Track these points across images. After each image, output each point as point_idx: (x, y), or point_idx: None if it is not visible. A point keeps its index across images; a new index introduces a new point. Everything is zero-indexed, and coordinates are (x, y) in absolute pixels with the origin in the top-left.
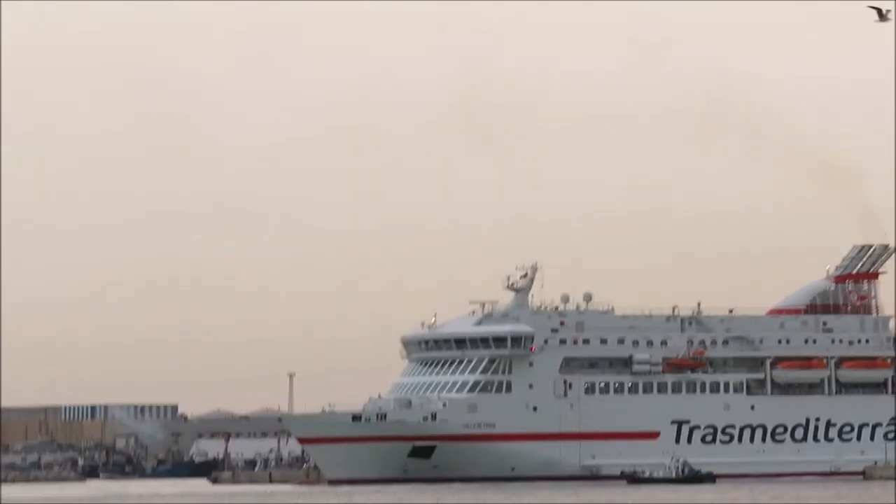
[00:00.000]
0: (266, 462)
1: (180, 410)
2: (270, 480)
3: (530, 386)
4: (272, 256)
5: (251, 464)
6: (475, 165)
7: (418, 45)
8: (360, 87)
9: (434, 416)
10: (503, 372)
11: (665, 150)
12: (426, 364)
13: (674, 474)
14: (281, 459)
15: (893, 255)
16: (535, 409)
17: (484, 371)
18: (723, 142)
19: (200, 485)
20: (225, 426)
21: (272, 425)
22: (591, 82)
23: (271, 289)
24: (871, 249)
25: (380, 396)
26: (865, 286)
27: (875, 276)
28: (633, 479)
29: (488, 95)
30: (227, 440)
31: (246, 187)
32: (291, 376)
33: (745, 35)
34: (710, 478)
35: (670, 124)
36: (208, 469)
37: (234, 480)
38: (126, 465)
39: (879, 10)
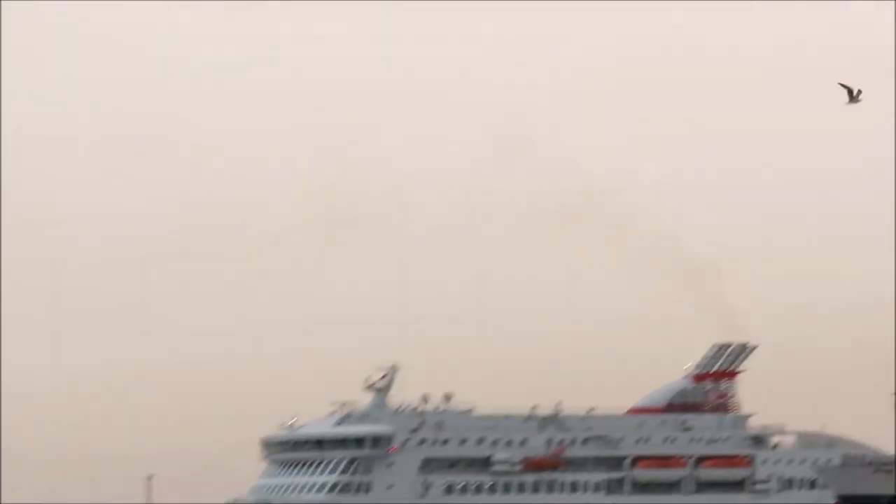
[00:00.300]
0: None
1: None
2: None
3: (390, 486)
4: (131, 357)
5: None
6: (333, 266)
7: (274, 143)
8: (216, 187)
9: None
10: (363, 472)
11: (525, 249)
12: (286, 465)
13: None
14: None
15: (752, 354)
16: None
17: (343, 472)
18: (583, 241)
19: None
20: None
21: None
22: (452, 179)
23: (128, 389)
24: (730, 348)
25: (239, 498)
26: (724, 385)
27: (734, 374)
28: None
29: (346, 195)
30: None
31: (100, 286)
32: (150, 478)
33: (605, 133)
34: None
35: (530, 223)
36: None
37: None
38: None
39: (850, 90)
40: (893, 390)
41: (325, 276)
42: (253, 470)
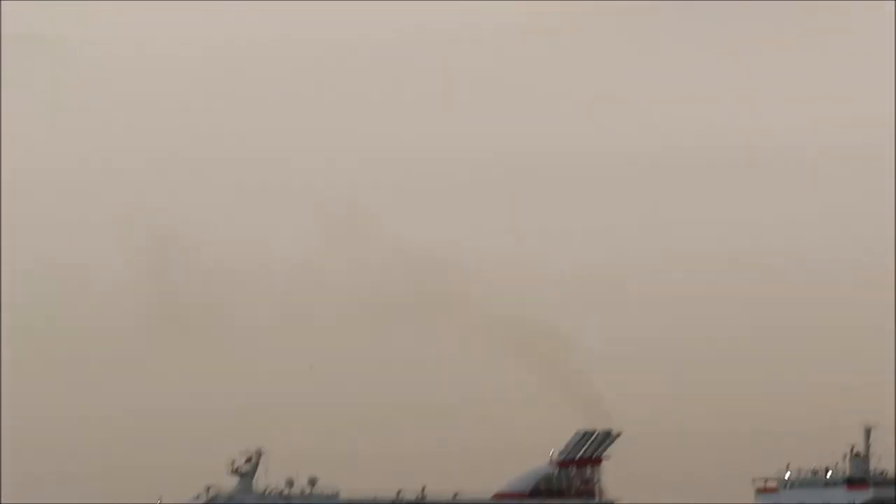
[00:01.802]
0: None
1: None
2: None
3: None
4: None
5: None
6: (199, 352)
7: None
8: (52, 262)
9: None
10: None
11: (378, 340)
12: None
13: None
14: None
15: (616, 440)
16: None
17: None
18: (439, 331)
19: None
20: None
21: None
22: (285, 266)
23: None
24: (594, 435)
25: None
26: (589, 471)
27: (598, 461)
28: None
29: (179, 284)
30: None
31: None
32: None
33: (450, 213)
34: None
35: (374, 312)
36: None
37: None
38: None
39: None
40: (752, 477)
41: (182, 361)
42: None
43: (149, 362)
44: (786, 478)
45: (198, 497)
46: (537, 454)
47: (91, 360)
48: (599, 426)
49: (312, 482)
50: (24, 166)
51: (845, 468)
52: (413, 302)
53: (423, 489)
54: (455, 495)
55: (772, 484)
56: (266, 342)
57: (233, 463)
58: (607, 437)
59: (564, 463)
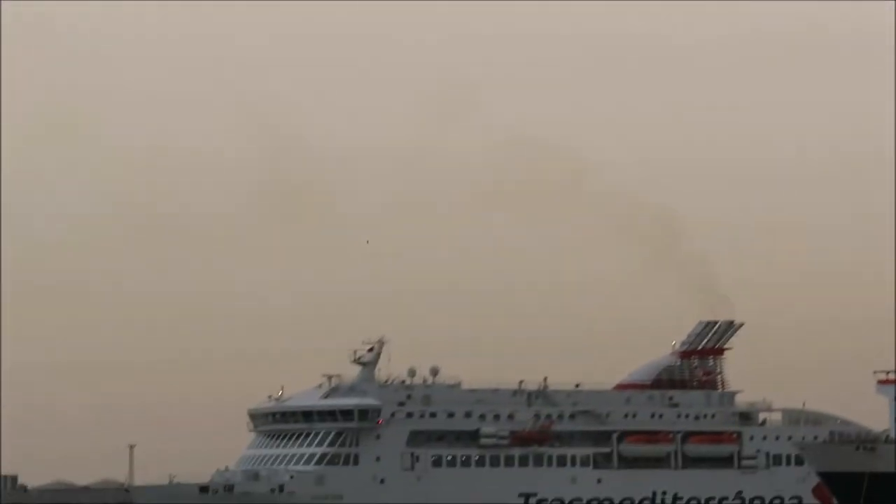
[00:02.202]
0: None
1: (20, 481)
2: None
3: (377, 459)
4: (112, 324)
5: None
6: (316, 236)
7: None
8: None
9: (282, 488)
10: (350, 445)
11: (510, 222)
12: (273, 436)
13: None
14: None
15: (738, 331)
16: (382, 481)
17: (331, 444)
18: (568, 215)
19: None
20: (65, 497)
21: (112, 496)
22: (398, 147)
23: (111, 357)
24: (717, 325)
25: (227, 468)
26: (711, 362)
27: (720, 351)
28: None
29: (291, 169)
30: None
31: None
32: (132, 447)
33: (585, 103)
34: None
35: (511, 197)
36: None
37: None
38: None
39: None
40: (874, 369)
41: (309, 246)
42: (240, 441)
43: (263, 249)
44: None
45: (319, 387)
46: (659, 345)
47: (201, 246)
48: (722, 316)
49: (434, 372)
50: (133, 46)
51: None
52: (528, 186)
53: (545, 380)
54: (577, 386)
55: (892, 377)
56: (376, 226)
57: (354, 352)
58: (730, 328)
59: (686, 353)
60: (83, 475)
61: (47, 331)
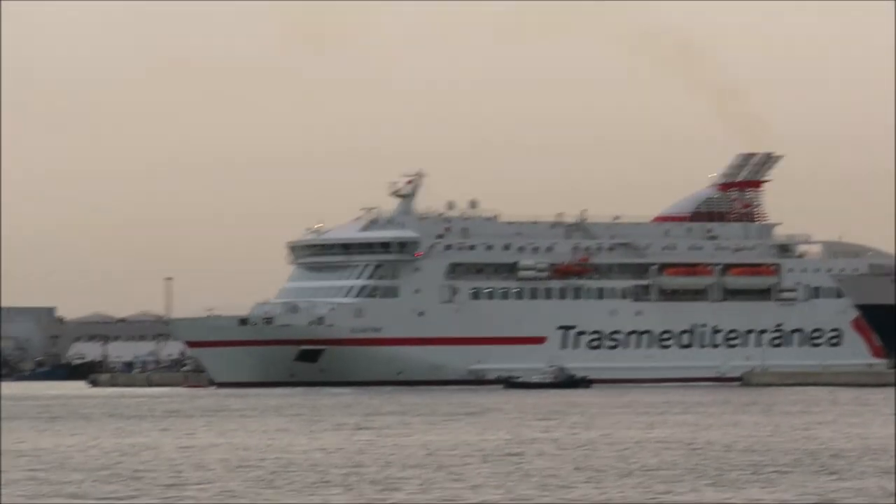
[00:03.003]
0: (144, 365)
1: (58, 313)
2: (149, 383)
3: (416, 291)
4: (155, 153)
5: (129, 366)
6: (356, 71)
7: None
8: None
9: (321, 321)
10: (389, 277)
11: (558, 55)
12: (313, 269)
13: (549, 379)
14: (159, 362)
15: (777, 163)
16: (421, 313)
17: (370, 276)
18: (612, 48)
19: (79, 387)
20: (103, 329)
21: (150, 328)
22: None
23: (149, 190)
24: (755, 157)
25: (266, 301)
26: (750, 194)
27: (759, 184)
28: (510, 383)
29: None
30: (106, 343)
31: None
32: (169, 280)
33: None
34: (585, 382)
35: (561, 24)
36: (86, 372)
37: (113, 383)
38: (3, 368)
39: None
40: None
41: (349, 80)
42: (281, 273)
43: (300, 85)
44: None
45: (358, 219)
46: (699, 177)
47: (242, 82)
48: (761, 148)
49: (473, 204)
50: None
51: None
52: (570, 16)
53: (584, 212)
54: (616, 218)
55: None
56: (413, 59)
57: (393, 185)
58: (768, 160)
59: (725, 186)
60: (120, 308)
61: (86, 164)
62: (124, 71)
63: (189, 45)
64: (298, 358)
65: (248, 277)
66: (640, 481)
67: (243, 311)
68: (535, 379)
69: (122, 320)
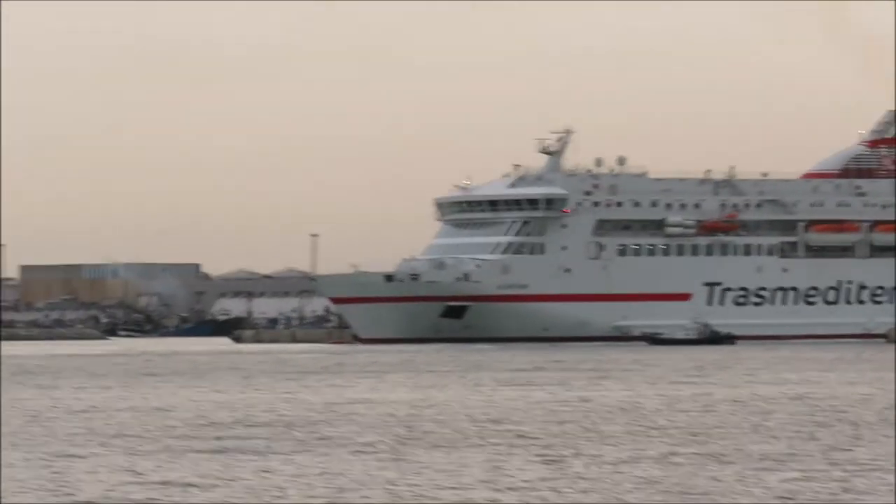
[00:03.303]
0: (289, 321)
1: (203, 269)
2: (294, 340)
3: (563, 248)
4: (300, 111)
5: (273, 323)
6: (506, 30)
7: None
8: None
9: (467, 277)
10: (536, 234)
11: (699, 12)
12: (460, 226)
13: (694, 335)
14: (303, 319)
15: None
16: (567, 270)
17: (517, 233)
18: (759, 5)
19: (223, 343)
20: (248, 286)
21: (295, 284)
22: None
23: (299, 148)
24: None
25: (413, 258)
26: None
27: None
28: (654, 340)
29: None
30: (250, 299)
31: (267, 40)
32: (315, 237)
33: None
34: (729, 339)
35: None
36: (230, 328)
37: (257, 339)
38: (146, 324)
39: None
40: None
41: (498, 39)
42: (427, 230)
43: (451, 38)
44: None
45: (505, 176)
46: (848, 134)
47: (391, 31)
48: None
49: (621, 161)
50: None
51: None
52: None
53: (732, 168)
54: (764, 175)
55: None
56: (562, 21)
57: (542, 142)
58: None
59: (875, 142)
60: (266, 264)
61: (223, 116)
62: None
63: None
64: (444, 314)
65: (394, 234)
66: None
67: (389, 268)
68: (679, 335)
69: (267, 276)
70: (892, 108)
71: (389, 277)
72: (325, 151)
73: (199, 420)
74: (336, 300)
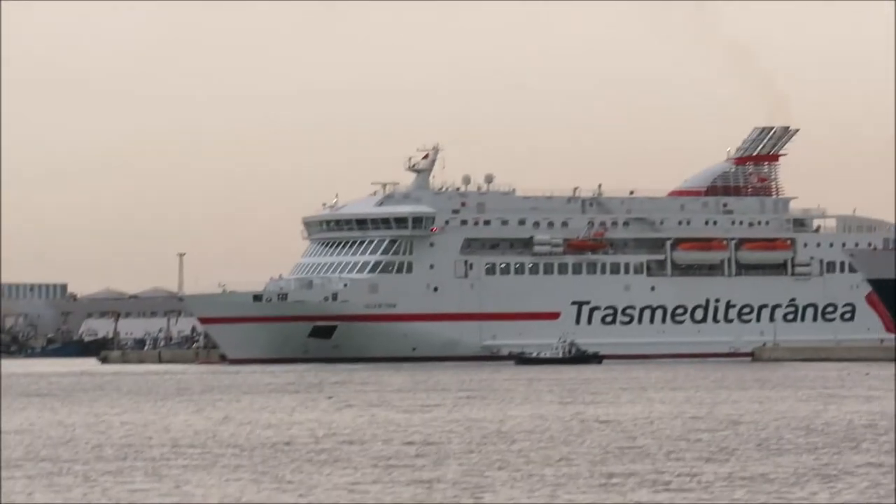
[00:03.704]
0: (156, 341)
1: (69, 289)
2: (160, 360)
3: (431, 266)
4: (164, 129)
5: (141, 343)
6: (374, 47)
7: None
8: None
9: (335, 297)
10: (404, 252)
11: (566, 27)
12: (328, 244)
13: (560, 354)
14: (170, 339)
15: (794, 137)
16: (435, 289)
17: (385, 251)
18: (629, 17)
19: (90, 364)
20: (114, 305)
21: (161, 304)
22: None
23: (164, 167)
24: (772, 131)
25: (280, 277)
26: (766, 168)
27: (776, 158)
28: (521, 359)
29: None
30: (117, 319)
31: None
32: (181, 256)
33: None
34: (596, 358)
35: None
36: (98, 348)
37: (124, 360)
38: (12, 345)
39: None
40: None
41: (366, 55)
42: (294, 249)
43: (313, 57)
44: None
45: (374, 194)
46: (714, 151)
47: (255, 54)
48: (778, 122)
49: (489, 179)
50: None
51: None
52: None
53: (600, 186)
54: (631, 193)
55: None
56: (427, 34)
57: (409, 160)
58: (785, 134)
59: (741, 160)
60: (132, 284)
61: (98, 141)
62: (127, 49)
63: (191, 23)
64: (312, 334)
65: (262, 253)
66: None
67: (258, 287)
68: (545, 355)
69: (134, 296)
70: (759, 126)
71: (258, 297)
72: (191, 170)
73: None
74: (205, 320)
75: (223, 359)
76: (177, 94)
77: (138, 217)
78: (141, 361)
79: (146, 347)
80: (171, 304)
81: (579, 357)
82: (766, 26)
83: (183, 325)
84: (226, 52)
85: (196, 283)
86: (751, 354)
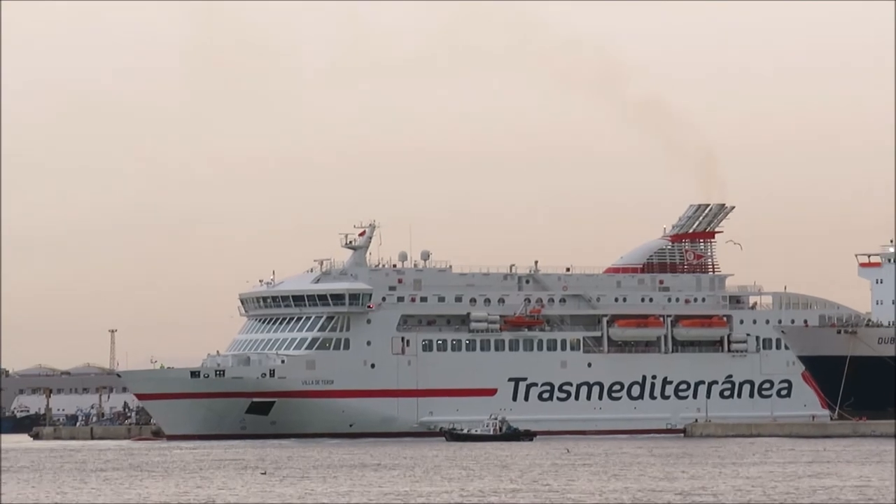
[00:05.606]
0: (88, 417)
1: (1, 365)
2: (92, 436)
3: (368, 343)
4: (97, 206)
5: (73, 419)
6: (309, 123)
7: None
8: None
9: (272, 373)
10: (341, 329)
11: (498, 101)
12: (265, 321)
13: (491, 431)
14: (103, 415)
15: (729, 215)
16: (372, 365)
17: (322, 328)
18: (570, 95)
19: (22, 440)
20: (46, 382)
21: (94, 381)
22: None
23: (98, 241)
24: (708, 209)
25: (217, 353)
26: (702, 245)
27: (711, 235)
28: (452, 435)
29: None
30: (49, 396)
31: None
32: (113, 332)
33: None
34: (527, 435)
35: (511, 67)
36: (30, 424)
37: (56, 436)
38: None
39: None
40: (855, 252)
41: (305, 132)
42: (231, 326)
43: (249, 130)
44: (890, 251)
45: (310, 271)
46: (650, 228)
47: (189, 124)
48: (713, 200)
49: (425, 256)
50: None
51: None
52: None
53: (536, 263)
54: (567, 270)
55: (875, 259)
56: (360, 108)
57: (346, 236)
58: (721, 211)
59: (677, 237)
60: (64, 360)
61: (26, 216)
62: (46, 123)
63: (102, 88)
64: (250, 410)
65: (193, 328)
66: None
67: (192, 363)
68: (476, 431)
69: (66, 373)
70: (695, 203)
71: (195, 373)
72: (123, 245)
73: None
74: (141, 396)
75: (157, 435)
76: (107, 167)
77: (69, 293)
78: (74, 437)
79: (78, 423)
80: (103, 381)
81: (511, 434)
82: (705, 102)
83: (115, 402)
84: (159, 123)
85: (127, 359)
86: (683, 431)
